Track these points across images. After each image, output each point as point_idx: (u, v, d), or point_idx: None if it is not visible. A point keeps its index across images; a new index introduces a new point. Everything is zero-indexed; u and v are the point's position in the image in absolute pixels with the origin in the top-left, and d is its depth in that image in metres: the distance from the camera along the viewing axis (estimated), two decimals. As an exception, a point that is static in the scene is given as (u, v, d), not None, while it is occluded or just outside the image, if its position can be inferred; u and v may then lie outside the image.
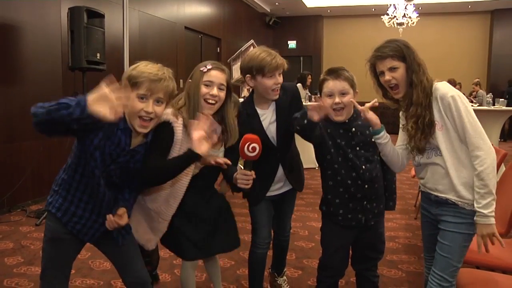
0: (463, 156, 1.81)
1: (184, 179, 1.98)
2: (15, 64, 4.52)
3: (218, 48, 9.68)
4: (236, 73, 6.91)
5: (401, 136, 2.03)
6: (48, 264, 1.77)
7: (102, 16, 4.55)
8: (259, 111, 2.25)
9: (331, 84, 2.03)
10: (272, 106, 2.26)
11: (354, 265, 2.25)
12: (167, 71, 1.71)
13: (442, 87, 1.82)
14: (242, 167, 1.97)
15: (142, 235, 2.04)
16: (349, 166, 2.05)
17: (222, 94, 1.96)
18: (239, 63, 6.93)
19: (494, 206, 1.76)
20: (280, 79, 2.16)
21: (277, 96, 2.20)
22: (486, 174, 1.75)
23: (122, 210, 1.75)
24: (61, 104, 1.40)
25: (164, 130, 1.84)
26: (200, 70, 1.95)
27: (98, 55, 4.37)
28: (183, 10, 7.91)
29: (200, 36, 8.77)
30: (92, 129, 1.57)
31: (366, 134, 2.05)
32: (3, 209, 4.38)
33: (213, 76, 1.93)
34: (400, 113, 2.04)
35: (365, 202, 2.08)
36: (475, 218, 1.77)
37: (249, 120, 2.21)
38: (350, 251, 2.22)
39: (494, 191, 1.77)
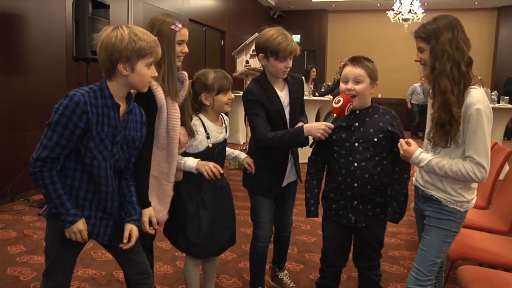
0: (455, 158, 1.80)
1: (175, 136, 1.99)
2: (19, 54, 4.51)
3: (222, 41, 9.65)
4: (241, 66, 6.88)
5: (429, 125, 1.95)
6: (55, 263, 1.73)
7: (107, 6, 4.53)
8: (277, 91, 2.30)
9: (348, 70, 2.01)
10: (286, 89, 2.32)
11: (355, 262, 2.23)
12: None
13: (474, 96, 1.74)
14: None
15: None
16: (341, 163, 2.03)
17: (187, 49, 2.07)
18: (243, 56, 6.92)
19: (421, 164, 1.82)
20: (290, 63, 2.24)
21: (285, 76, 2.29)
22: (457, 171, 1.75)
23: (129, 229, 1.75)
24: (56, 209, 1.58)
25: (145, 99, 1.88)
26: (171, 29, 1.96)
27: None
28: (187, 2, 7.88)
29: (204, 29, 8.74)
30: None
31: (369, 132, 2.00)
32: (6, 198, 4.39)
33: (184, 35, 2.01)
34: (428, 100, 1.98)
35: (355, 202, 2.04)
36: (424, 152, 1.83)
37: (267, 94, 2.25)
38: (352, 247, 2.22)
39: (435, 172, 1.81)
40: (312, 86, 8.12)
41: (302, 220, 3.96)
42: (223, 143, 2.26)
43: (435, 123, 1.81)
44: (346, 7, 12.71)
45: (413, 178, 2.03)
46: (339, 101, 1.96)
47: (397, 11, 10.41)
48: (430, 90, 1.90)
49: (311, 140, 2.12)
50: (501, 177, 3.07)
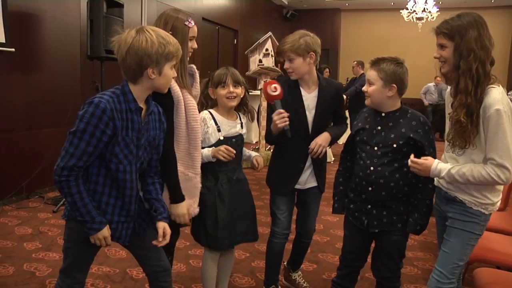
0: (479, 163, 1.77)
1: (197, 127, 2.02)
2: (34, 53, 4.56)
3: (235, 40, 9.65)
4: (254, 65, 6.87)
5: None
6: (74, 262, 1.73)
7: (121, 6, 4.55)
8: (301, 90, 2.30)
9: (367, 71, 2.06)
10: (315, 93, 2.31)
11: (373, 271, 2.17)
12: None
13: (493, 97, 1.70)
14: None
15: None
16: (360, 165, 2.02)
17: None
18: (256, 55, 6.90)
19: (442, 175, 1.79)
20: (287, 64, 2.25)
21: (291, 76, 2.27)
22: (479, 177, 1.71)
23: (162, 227, 1.76)
24: (82, 216, 1.59)
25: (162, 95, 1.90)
26: (185, 25, 2.01)
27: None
28: (201, 1, 7.89)
29: (217, 28, 8.75)
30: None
31: (390, 137, 1.95)
32: (21, 195, 4.45)
33: (195, 31, 2.06)
34: (446, 99, 1.95)
35: (369, 206, 2.01)
36: (441, 163, 1.81)
37: (290, 92, 2.27)
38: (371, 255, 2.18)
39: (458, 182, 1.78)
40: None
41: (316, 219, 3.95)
42: (238, 138, 2.25)
43: (453, 123, 1.77)
44: (359, 6, 12.63)
45: (435, 179, 1.96)
46: (275, 88, 2.14)
47: (411, 10, 10.30)
48: (450, 89, 1.87)
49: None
50: None
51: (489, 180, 1.70)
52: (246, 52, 7.15)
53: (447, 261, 1.83)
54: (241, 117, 2.33)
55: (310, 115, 2.29)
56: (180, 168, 1.99)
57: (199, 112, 2.14)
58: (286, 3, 12.28)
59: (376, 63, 1.98)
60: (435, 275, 1.85)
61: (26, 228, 3.67)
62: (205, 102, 2.28)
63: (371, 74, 1.98)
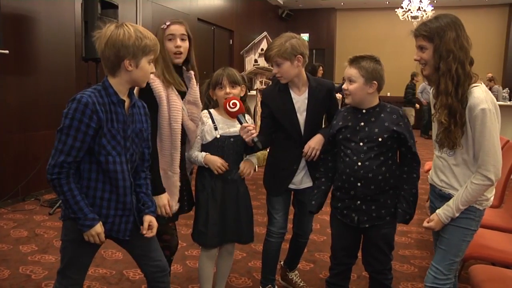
0: (471, 164, 1.80)
1: (177, 127, 2.09)
2: (29, 55, 4.54)
3: (231, 40, 9.65)
4: (249, 65, 6.87)
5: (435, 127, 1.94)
6: (70, 262, 1.74)
7: (116, 7, 4.55)
8: (291, 93, 2.30)
9: (346, 69, 2.04)
10: (305, 95, 2.29)
11: (364, 266, 2.19)
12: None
13: (477, 96, 1.73)
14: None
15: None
16: (346, 162, 2.03)
17: (185, 44, 2.12)
18: (252, 56, 6.90)
19: (456, 215, 1.82)
20: (276, 69, 2.23)
21: (281, 80, 2.26)
22: (475, 192, 1.76)
23: (148, 220, 1.79)
24: (74, 213, 1.62)
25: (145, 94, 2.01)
26: (161, 28, 2.11)
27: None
28: (196, 1, 7.89)
29: (212, 28, 8.74)
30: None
31: (374, 132, 1.98)
32: (17, 198, 4.43)
33: (173, 30, 2.10)
34: (430, 100, 1.98)
35: (358, 202, 2.02)
36: (441, 209, 1.83)
37: (280, 95, 2.28)
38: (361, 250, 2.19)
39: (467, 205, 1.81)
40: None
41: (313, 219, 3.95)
42: (237, 138, 2.23)
43: (439, 124, 1.80)
44: (354, 5, 12.66)
45: (429, 177, 2.02)
46: (234, 104, 2.13)
47: (406, 8, 10.34)
48: (432, 90, 1.89)
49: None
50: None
51: (486, 186, 1.76)
52: (241, 52, 7.15)
53: (444, 257, 1.85)
54: None
55: (301, 117, 2.28)
56: (162, 165, 2.07)
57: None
58: (282, 3, 12.29)
59: (355, 61, 2.00)
60: (432, 271, 1.87)
61: (22, 230, 3.65)
62: (208, 103, 2.32)
63: (352, 72, 1.99)
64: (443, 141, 1.81)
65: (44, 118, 4.65)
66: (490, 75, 10.42)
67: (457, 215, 1.81)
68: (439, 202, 1.93)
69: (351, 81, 2.00)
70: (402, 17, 10.43)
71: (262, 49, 6.90)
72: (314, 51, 12.76)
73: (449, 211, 1.81)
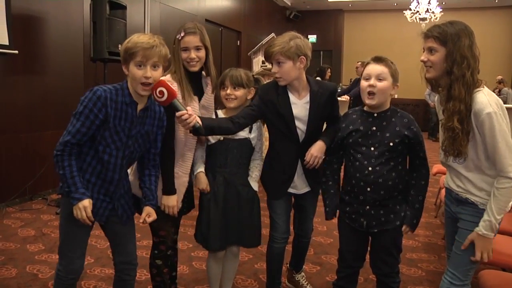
0: (486, 168, 1.77)
1: (177, 136, 2.12)
2: (38, 55, 4.57)
3: (238, 41, 9.65)
4: (257, 67, 6.87)
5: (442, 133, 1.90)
6: (66, 239, 1.89)
7: (124, 7, 4.56)
8: (291, 97, 2.19)
9: (370, 67, 1.97)
10: (305, 99, 2.18)
11: (372, 268, 2.18)
12: (158, 38, 1.82)
13: (480, 101, 1.71)
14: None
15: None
16: (356, 166, 2.00)
17: (200, 54, 2.12)
18: (259, 57, 6.90)
19: (496, 226, 1.74)
20: (275, 68, 2.11)
21: (279, 81, 2.13)
22: (505, 197, 1.72)
23: (147, 211, 1.94)
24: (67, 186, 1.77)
25: None
26: (177, 38, 2.12)
27: (119, 46, 4.37)
28: (204, 2, 7.90)
29: (220, 29, 8.75)
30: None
31: (386, 136, 1.96)
32: (25, 197, 4.46)
33: (187, 42, 2.10)
34: (436, 106, 1.95)
35: (367, 207, 2.00)
36: (479, 226, 1.75)
37: (278, 98, 2.16)
38: (369, 253, 2.18)
39: (505, 212, 1.75)
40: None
41: (319, 221, 3.93)
42: (241, 142, 2.21)
43: (446, 130, 1.77)
44: (362, 7, 12.60)
45: (444, 181, 1.99)
46: (161, 92, 1.78)
47: (414, 10, 10.27)
48: (437, 97, 1.88)
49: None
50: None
51: (509, 187, 1.71)
52: (249, 53, 7.15)
53: (460, 262, 1.82)
54: None
55: (300, 122, 2.17)
56: (175, 166, 2.13)
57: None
58: (289, 4, 12.27)
59: (381, 59, 1.96)
60: (448, 276, 1.85)
61: (29, 230, 3.67)
62: (215, 104, 2.31)
63: (382, 69, 1.94)
64: (448, 148, 1.79)
65: (52, 118, 4.67)
66: (500, 77, 10.34)
67: (498, 226, 1.75)
68: (455, 206, 1.90)
69: (380, 78, 1.94)
70: (410, 19, 10.36)
71: (269, 50, 6.90)
72: (321, 52, 12.73)
73: (488, 225, 1.73)
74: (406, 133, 1.95)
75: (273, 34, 6.94)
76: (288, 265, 2.73)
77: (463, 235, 1.83)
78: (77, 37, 4.97)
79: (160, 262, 2.24)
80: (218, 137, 2.18)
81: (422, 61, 1.85)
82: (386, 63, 1.95)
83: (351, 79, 8.76)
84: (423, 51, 1.86)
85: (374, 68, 1.95)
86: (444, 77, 1.79)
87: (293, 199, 2.41)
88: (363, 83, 1.98)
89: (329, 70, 8.34)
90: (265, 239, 2.46)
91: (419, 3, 10.17)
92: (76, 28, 4.96)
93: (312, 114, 2.17)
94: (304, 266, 2.78)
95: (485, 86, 1.78)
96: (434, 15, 10.16)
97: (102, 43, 4.27)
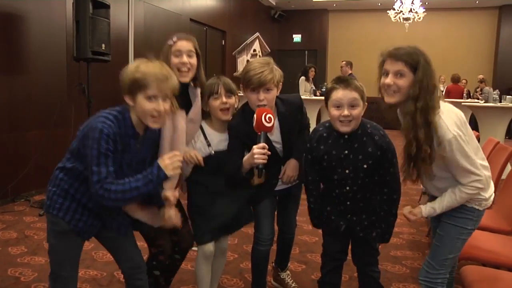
0: (459, 174, 1.81)
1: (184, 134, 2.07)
2: (20, 54, 4.50)
3: (223, 41, 9.64)
4: (241, 66, 6.87)
5: None
6: (57, 258, 1.75)
7: (107, 6, 4.51)
8: None
9: (340, 94, 1.86)
10: (276, 122, 2.12)
11: (353, 260, 2.22)
12: (167, 67, 1.73)
13: (440, 127, 1.69)
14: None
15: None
16: (334, 184, 2.02)
17: (193, 60, 2.10)
18: (244, 56, 6.91)
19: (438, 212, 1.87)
20: (262, 95, 2.04)
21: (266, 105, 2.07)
22: (462, 200, 1.81)
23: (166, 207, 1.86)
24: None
25: None
26: (168, 44, 2.09)
27: (103, 45, 4.34)
28: (188, 2, 7.87)
29: (205, 29, 8.73)
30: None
31: (359, 159, 1.94)
32: (7, 199, 4.39)
33: (180, 46, 2.07)
34: (400, 117, 1.91)
35: (349, 215, 2.05)
36: (425, 206, 1.88)
37: (251, 129, 2.01)
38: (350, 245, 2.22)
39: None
40: (313, 85, 8.10)
41: (304, 220, 3.94)
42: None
43: (408, 156, 1.77)
44: (346, 6, 12.71)
45: (422, 187, 2.07)
46: (270, 119, 1.90)
47: (398, 10, 10.40)
48: (399, 110, 1.85)
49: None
50: (504, 176, 3.06)
51: (475, 193, 1.80)
52: (233, 53, 7.15)
53: (437, 253, 1.90)
54: None
55: (276, 143, 2.18)
56: None
57: None
58: (274, 3, 12.30)
59: (349, 83, 1.88)
60: (425, 266, 1.93)
61: (11, 232, 3.61)
62: (207, 115, 2.22)
63: (353, 95, 1.85)
64: (406, 173, 1.82)
65: (35, 117, 4.60)
66: (481, 76, 10.53)
67: (439, 213, 1.87)
68: None
69: (353, 105, 1.85)
70: (394, 18, 10.49)
71: (254, 50, 6.92)
72: (306, 52, 12.79)
73: (431, 212, 1.88)
74: (379, 153, 1.93)
75: (257, 34, 6.95)
76: (273, 263, 2.74)
77: (443, 227, 1.90)
78: (60, 36, 4.91)
79: (158, 273, 2.20)
80: (209, 150, 2.15)
81: (387, 84, 1.75)
82: (356, 87, 1.86)
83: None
84: (384, 74, 1.77)
85: (346, 96, 1.85)
86: (409, 103, 1.72)
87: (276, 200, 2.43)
88: (334, 112, 1.88)
89: (312, 69, 8.38)
90: (249, 238, 2.46)
91: (402, 3, 10.29)
92: (59, 27, 4.90)
93: (284, 134, 2.20)
94: (289, 265, 2.79)
95: (441, 102, 1.75)
96: (418, 15, 10.29)
97: (85, 43, 4.22)
